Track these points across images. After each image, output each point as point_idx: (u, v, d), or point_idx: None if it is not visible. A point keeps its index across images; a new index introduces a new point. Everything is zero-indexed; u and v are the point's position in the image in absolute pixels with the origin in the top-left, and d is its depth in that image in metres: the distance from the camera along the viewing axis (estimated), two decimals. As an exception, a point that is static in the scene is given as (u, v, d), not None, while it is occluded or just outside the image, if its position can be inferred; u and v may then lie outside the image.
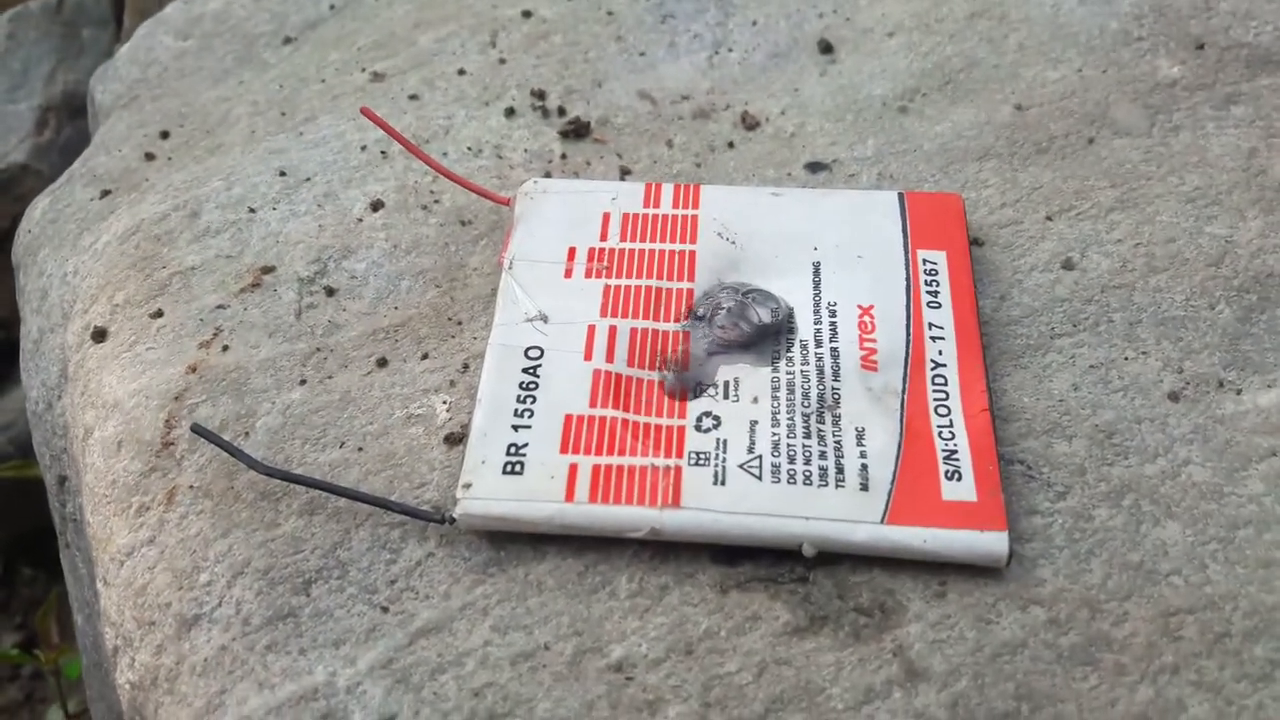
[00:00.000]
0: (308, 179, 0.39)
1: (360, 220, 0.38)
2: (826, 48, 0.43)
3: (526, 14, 0.45)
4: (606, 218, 0.35)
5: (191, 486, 0.31)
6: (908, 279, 0.33)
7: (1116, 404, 0.31)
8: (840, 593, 0.28)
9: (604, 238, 0.34)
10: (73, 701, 0.66)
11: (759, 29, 0.44)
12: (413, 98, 0.42)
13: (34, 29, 0.73)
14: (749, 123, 0.40)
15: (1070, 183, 0.37)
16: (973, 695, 0.26)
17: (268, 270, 0.36)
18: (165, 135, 0.44)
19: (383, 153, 0.40)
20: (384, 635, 0.28)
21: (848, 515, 0.28)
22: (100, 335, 0.36)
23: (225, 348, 0.34)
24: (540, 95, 0.42)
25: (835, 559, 0.28)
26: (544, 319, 0.32)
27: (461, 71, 0.43)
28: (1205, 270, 0.34)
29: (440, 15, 0.46)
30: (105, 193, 0.42)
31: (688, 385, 0.31)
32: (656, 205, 0.35)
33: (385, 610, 0.28)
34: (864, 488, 0.28)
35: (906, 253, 0.33)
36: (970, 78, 0.41)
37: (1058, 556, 0.28)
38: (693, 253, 0.34)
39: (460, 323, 0.34)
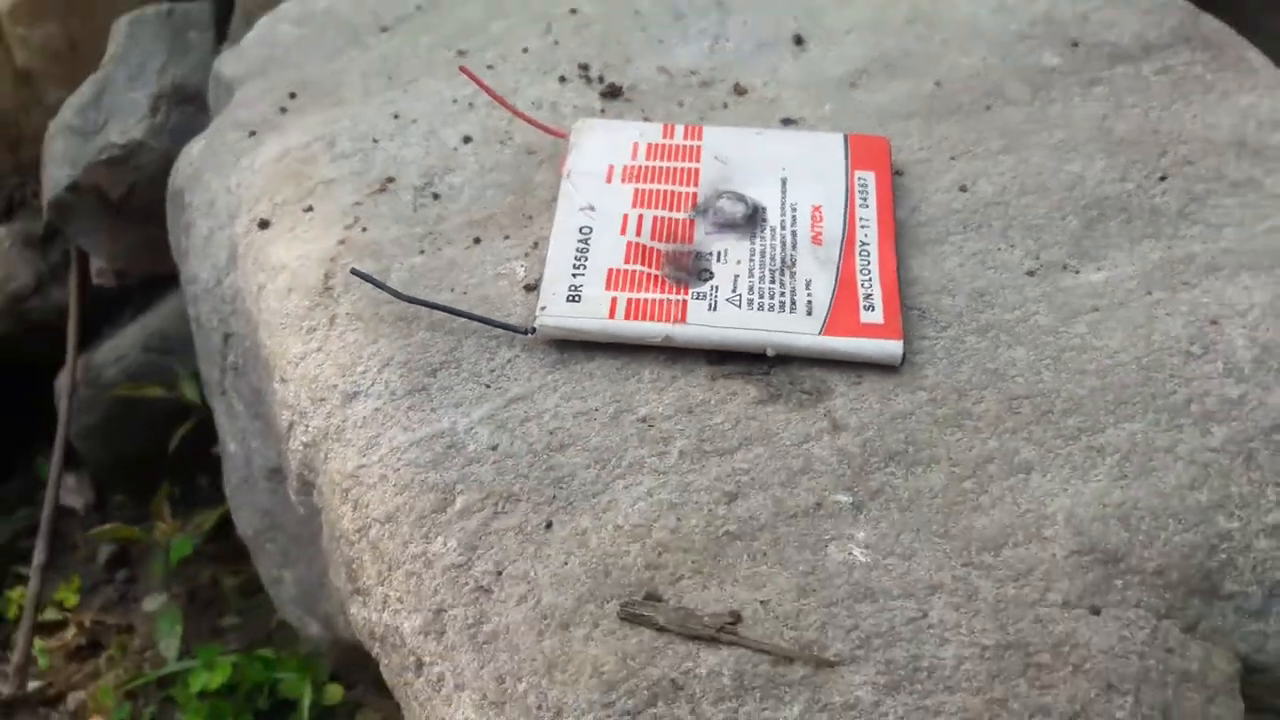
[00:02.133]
0: (414, 120, 0.53)
1: (455, 149, 0.52)
2: (799, 40, 0.57)
3: (573, 11, 0.60)
4: (635, 145, 0.49)
5: (347, 314, 0.45)
6: (846, 188, 0.47)
7: (989, 277, 0.45)
8: (791, 380, 0.42)
9: (633, 158, 0.48)
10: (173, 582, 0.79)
11: (748, 26, 0.59)
12: (489, 67, 0.56)
13: (148, 32, 0.87)
14: (739, 91, 0.54)
15: (970, 135, 0.51)
16: (875, 440, 0.40)
17: (390, 180, 0.50)
18: (293, 95, 0.58)
19: (470, 104, 0.54)
20: (488, 400, 0.41)
21: (798, 329, 0.42)
22: (265, 224, 0.50)
23: (364, 229, 0.48)
24: (585, 68, 0.56)
25: (788, 360, 0.42)
26: (592, 209, 0.46)
27: (525, 50, 0.57)
28: (1061, 194, 0.49)
29: (506, 10, 0.60)
30: (251, 133, 0.56)
31: (688, 260, 0.44)
32: (671, 138, 0.49)
33: (488, 386, 0.42)
34: (809, 313, 0.42)
35: (847, 172, 0.48)
36: (904, 64, 0.56)
37: (939, 363, 0.42)
38: (696, 169, 0.48)
39: (531, 217, 0.48)
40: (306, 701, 0.69)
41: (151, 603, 0.81)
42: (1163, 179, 0.49)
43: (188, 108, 0.84)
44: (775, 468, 0.39)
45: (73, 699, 0.76)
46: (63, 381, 0.83)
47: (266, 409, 0.48)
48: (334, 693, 0.70)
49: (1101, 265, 0.46)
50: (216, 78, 0.67)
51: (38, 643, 0.77)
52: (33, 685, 0.76)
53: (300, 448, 0.43)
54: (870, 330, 0.42)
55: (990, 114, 0.53)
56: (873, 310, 0.42)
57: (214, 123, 0.60)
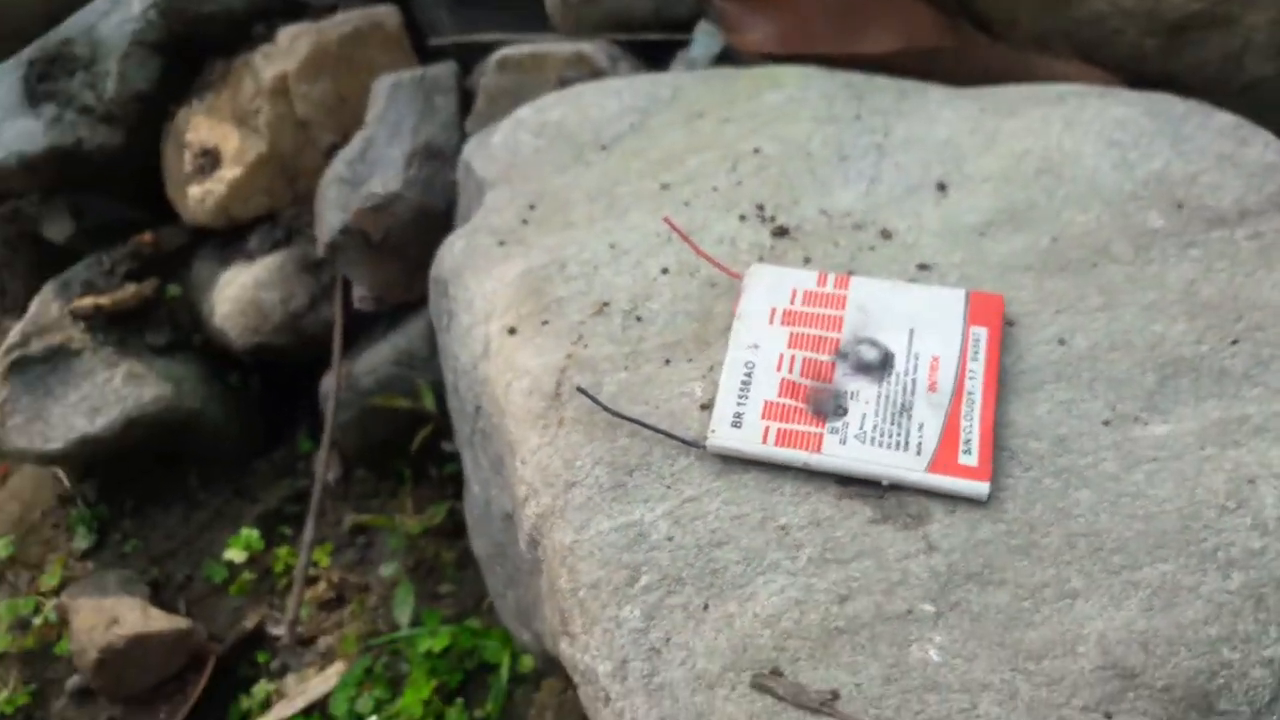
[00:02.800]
0: (626, 251, 0.68)
1: (655, 279, 0.66)
2: (941, 186, 0.69)
3: (756, 150, 0.73)
4: (794, 291, 0.62)
5: (571, 418, 0.60)
6: (962, 342, 0.59)
7: (1071, 424, 0.57)
8: (899, 505, 0.55)
9: (791, 303, 0.62)
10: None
11: (900, 169, 0.70)
12: (685, 204, 0.70)
13: (405, 94, 1.05)
14: (885, 235, 0.67)
15: (1075, 291, 0.62)
16: (960, 561, 0.53)
17: (605, 305, 0.65)
18: (532, 207, 0.74)
19: (668, 239, 0.68)
20: (668, 499, 0.56)
21: (908, 466, 0.55)
22: (513, 331, 0.66)
23: (585, 346, 0.63)
24: (760, 208, 0.69)
25: (899, 490, 0.55)
26: (756, 347, 0.60)
27: (714, 189, 0.71)
28: (1144, 352, 0.59)
29: (701, 145, 0.74)
30: (501, 243, 0.72)
31: (828, 398, 0.58)
32: (824, 285, 0.62)
33: (669, 488, 0.57)
34: (918, 453, 0.55)
35: (964, 327, 0.60)
36: (1027, 216, 0.66)
37: (1018, 499, 0.54)
38: (841, 317, 0.61)
39: (709, 343, 0.63)
40: (505, 666, 0.87)
41: (386, 568, 1.01)
42: (1234, 343, 0.59)
43: (435, 163, 1.02)
44: (879, 578, 0.53)
45: (323, 642, 0.97)
46: (328, 384, 1.03)
47: (506, 475, 0.65)
48: (526, 662, 0.88)
49: (1168, 419, 0.57)
50: (467, 168, 0.83)
51: (286, 605, 0.98)
52: (286, 635, 0.97)
53: (532, 516, 0.60)
54: (965, 471, 0.54)
55: (1095, 271, 0.63)
56: (969, 454, 0.55)
57: (471, 223, 0.76)
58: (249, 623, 0.95)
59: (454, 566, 0.98)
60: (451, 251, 0.75)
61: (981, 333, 0.59)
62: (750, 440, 0.56)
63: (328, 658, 0.94)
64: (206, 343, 1.08)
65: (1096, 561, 0.52)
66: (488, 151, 0.82)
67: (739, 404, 0.58)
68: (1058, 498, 0.55)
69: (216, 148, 1.09)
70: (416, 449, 0.98)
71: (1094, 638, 0.50)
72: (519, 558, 0.66)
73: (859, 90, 0.76)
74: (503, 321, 0.67)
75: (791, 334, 0.61)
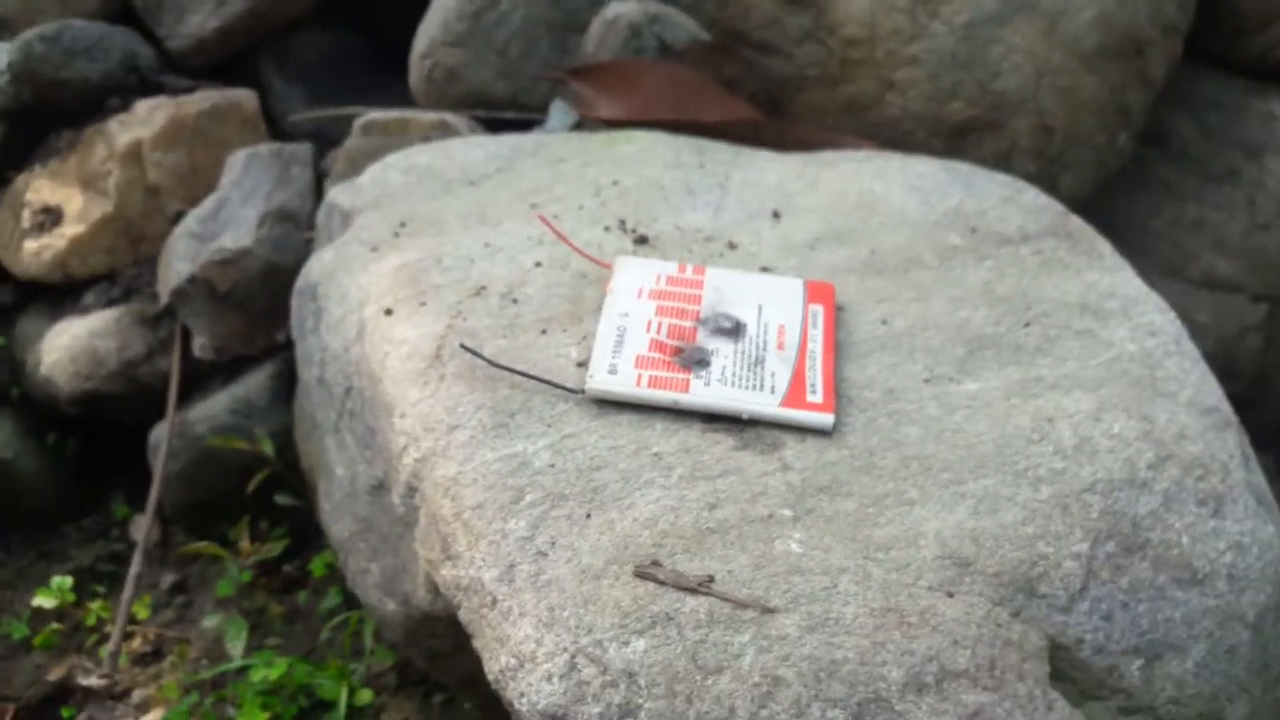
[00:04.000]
0: (501, 249, 0.74)
1: (529, 270, 0.72)
2: (776, 214, 0.79)
3: (616, 182, 0.81)
4: (658, 276, 0.69)
5: (452, 374, 0.64)
6: (803, 315, 0.67)
7: (896, 380, 0.65)
8: (757, 436, 0.61)
9: (656, 284, 0.69)
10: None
11: (741, 202, 0.80)
12: (555, 216, 0.77)
13: (261, 163, 1.09)
14: (732, 246, 0.76)
15: (892, 287, 0.72)
16: (811, 478, 0.59)
17: (482, 289, 0.70)
18: (403, 224, 0.79)
19: (540, 241, 0.75)
20: (549, 435, 0.60)
21: (763, 403, 0.61)
22: (390, 312, 0.69)
23: (465, 319, 0.68)
24: (622, 222, 0.77)
25: (757, 423, 0.61)
26: (626, 315, 0.66)
27: (580, 207, 0.79)
28: (952, 331, 0.69)
29: (566, 179, 0.82)
30: (373, 249, 0.77)
31: (692, 353, 0.64)
32: (684, 273, 0.70)
33: (549, 426, 0.61)
34: (772, 392, 0.62)
35: (804, 304, 0.68)
36: (850, 236, 0.77)
37: (858, 432, 0.62)
38: (700, 294, 0.68)
39: (581, 319, 0.68)
40: (343, 701, 0.84)
41: (210, 620, 0.97)
42: (1026, 325, 0.70)
43: (287, 224, 1.05)
44: (743, 490, 0.58)
45: (139, 694, 0.90)
46: (159, 432, 1.01)
47: (378, 439, 0.67)
48: (364, 696, 0.86)
49: (977, 380, 0.66)
50: (332, 206, 0.88)
51: (102, 650, 0.92)
52: (101, 682, 0.90)
53: (411, 462, 0.62)
54: (813, 406, 0.61)
55: (908, 274, 0.74)
56: (815, 394, 0.62)
57: (340, 239, 0.80)
58: (53, 675, 0.88)
59: (282, 620, 0.95)
60: (321, 261, 0.78)
61: (819, 309, 0.68)
62: (625, 384, 0.62)
63: (143, 709, 0.87)
64: (25, 396, 1.04)
65: (928, 478, 0.60)
66: (354, 188, 0.87)
67: (614, 356, 0.63)
68: (891, 432, 0.62)
69: (59, 206, 1.09)
70: (246, 497, 0.96)
71: (932, 534, 0.57)
72: (389, 520, 0.67)
73: (700, 148, 0.87)
74: (379, 305, 0.70)
75: (658, 306, 0.67)
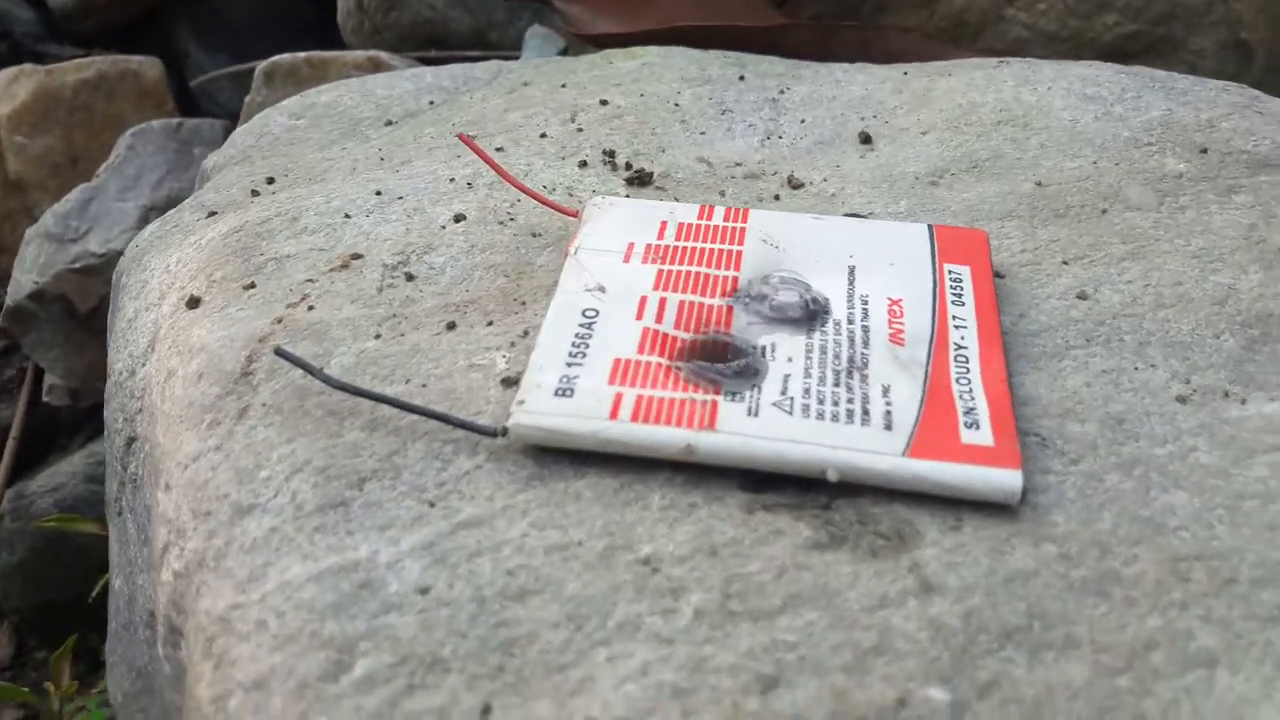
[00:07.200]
0: (400, 197, 0.44)
1: (444, 228, 0.42)
2: (866, 139, 0.48)
3: (604, 102, 0.51)
4: (664, 224, 0.39)
5: (264, 404, 0.34)
6: (934, 281, 0.36)
7: (1126, 400, 0.34)
8: (860, 519, 0.29)
9: (660, 237, 0.38)
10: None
11: (806, 125, 0.50)
12: (499, 149, 0.47)
13: (151, 143, 0.81)
14: (794, 183, 0.45)
15: (1085, 239, 0.41)
16: (985, 609, 0.27)
17: (356, 257, 0.40)
18: (271, 180, 0.50)
19: (469, 184, 0.44)
20: (428, 524, 0.29)
21: (871, 447, 0.30)
22: (194, 303, 0.40)
23: (310, 308, 0.38)
24: (610, 154, 0.47)
25: (856, 492, 0.30)
26: (601, 289, 0.36)
27: (543, 135, 0.48)
28: (1210, 308, 0.37)
29: (529, 102, 0.52)
30: (212, 214, 0.47)
31: (724, 353, 0.33)
32: (709, 219, 0.39)
33: (432, 505, 0.30)
34: (888, 427, 0.30)
35: (934, 263, 0.37)
36: (995, 165, 0.46)
37: (1070, 506, 0.30)
38: (739, 252, 0.37)
39: (524, 303, 0.38)
40: None
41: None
42: (1344, 298, 0.38)
43: (184, 227, 0.76)
44: (836, 643, 0.26)
45: None
46: (-6, 515, 0.72)
47: (152, 529, 0.36)
48: None
49: (1276, 396, 0.34)
50: (201, 174, 0.59)
51: None
52: None
53: (171, 578, 0.31)
54: (975, 454, 0.30)
55: (1107, 218, 0.42)
56: (977, 429, 0.30)
57: (176, 207, 0.51)
58: None
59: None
60: (137, 241, 0.49)
61: (963, 271, 0.37)
62: (589, 415, 0.31)
63: None
64: None
65: (1233, 602, 0.27)
66: (226, 145, 0.58)
67: (571, 364, 0.32)
68: (1135, 502, 0.30)
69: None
70: (97, 599, 0.67)
71: (1281, 744, 0.25)
72: (165, 680, 0.36)
73: (740, 60, 0.57)
74: (183, 293, 0.41)
75: (661, 272, 0.36)
